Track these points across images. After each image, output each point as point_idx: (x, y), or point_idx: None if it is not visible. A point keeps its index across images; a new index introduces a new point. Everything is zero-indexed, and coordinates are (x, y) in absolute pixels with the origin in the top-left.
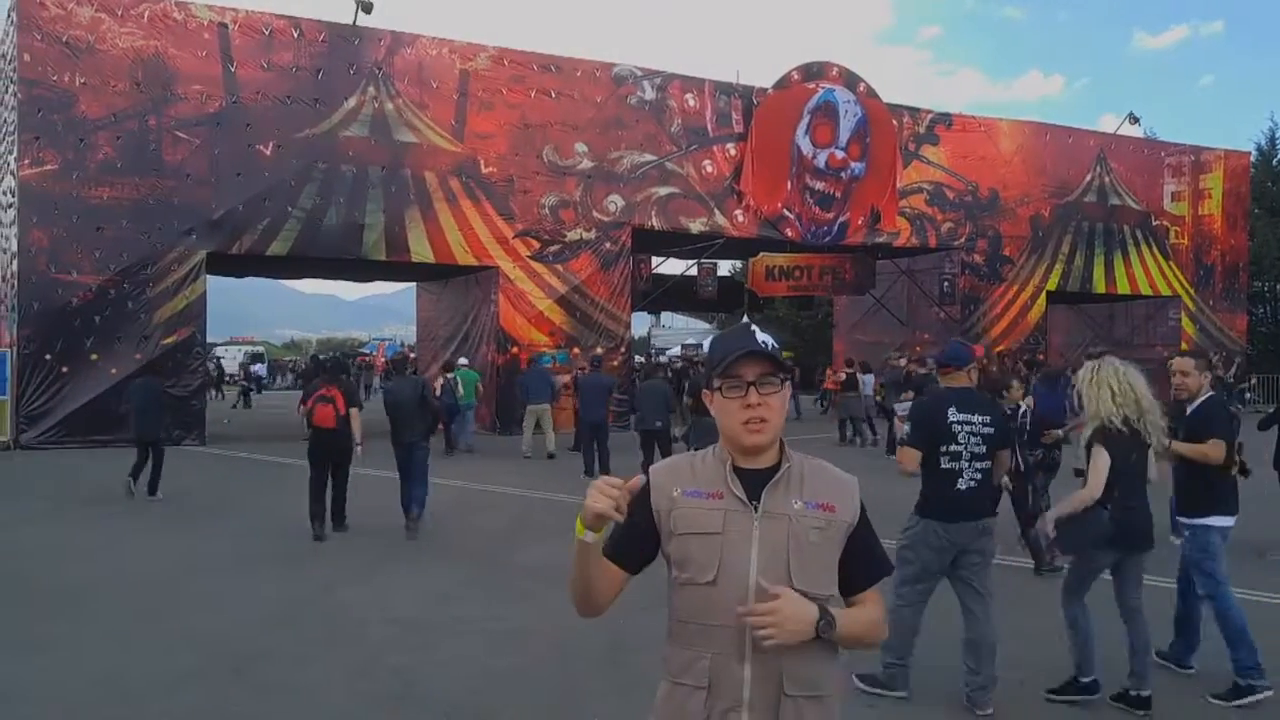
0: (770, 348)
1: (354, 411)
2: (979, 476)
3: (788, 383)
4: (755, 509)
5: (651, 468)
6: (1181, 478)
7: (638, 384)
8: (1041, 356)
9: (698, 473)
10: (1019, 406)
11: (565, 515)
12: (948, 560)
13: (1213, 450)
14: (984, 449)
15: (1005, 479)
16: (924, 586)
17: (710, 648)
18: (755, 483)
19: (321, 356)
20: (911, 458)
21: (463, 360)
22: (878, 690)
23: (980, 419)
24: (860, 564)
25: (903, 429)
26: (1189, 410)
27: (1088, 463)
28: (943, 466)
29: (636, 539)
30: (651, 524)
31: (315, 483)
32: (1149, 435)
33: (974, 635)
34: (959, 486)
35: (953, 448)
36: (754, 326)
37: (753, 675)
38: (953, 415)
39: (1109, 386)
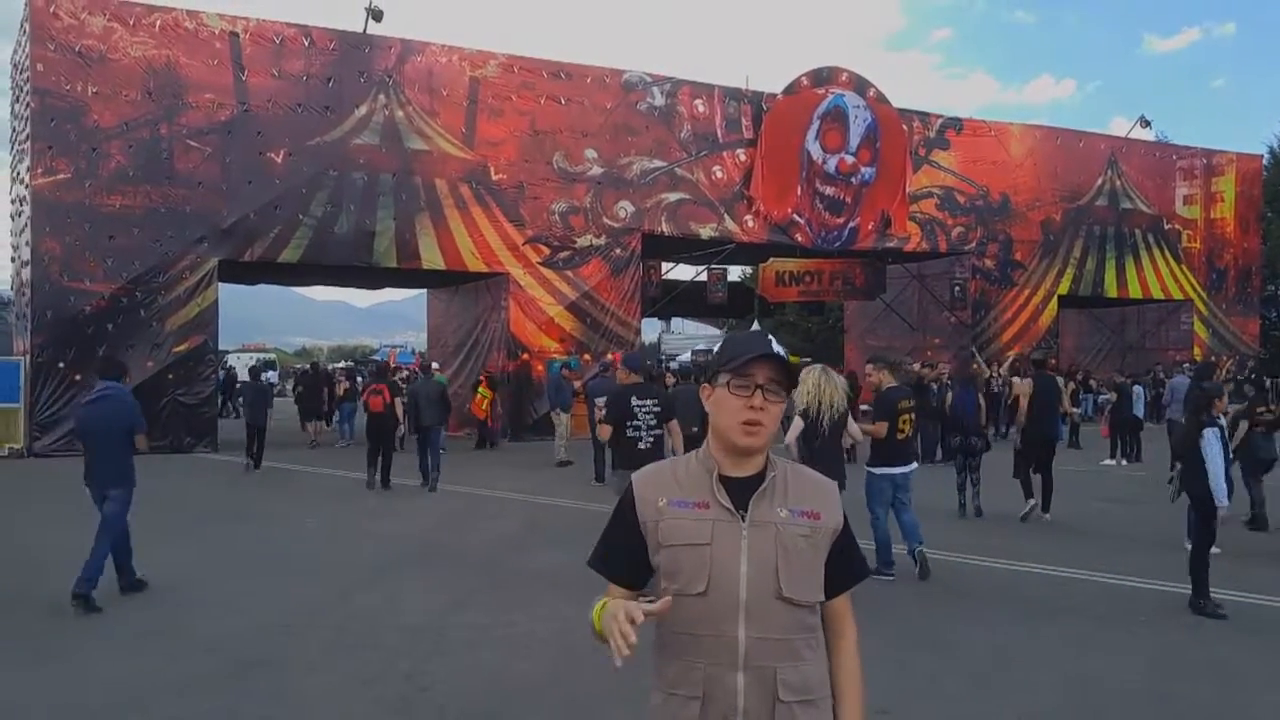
0: (785, 357)
1: (396, 400)
2: (652, 440)
3: (787, 397)
4: (743, 519)
5: (634, 476)
6: (871, 441)
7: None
8: (1053, 360)
9: (682, 481)
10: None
11: (574, 521)
12: None
13: (876, 428)
14: (655, 422)
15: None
16: None
17: (703, 657)
18: (741, 491)
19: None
20: (606, 430)
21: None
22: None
23: (650, 402)
24: (841, 568)
25: (600, 413)
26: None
27: None
28: (628, 435)
29: (629, 555)
30: (640, 537)
31: (370, 452)
32: (822, 418)
33: None
34: (639, 446)
35: (634, 423)
36: (770, 336)
37: (746, 683)
38: (634, 401)
39: (808, 383)
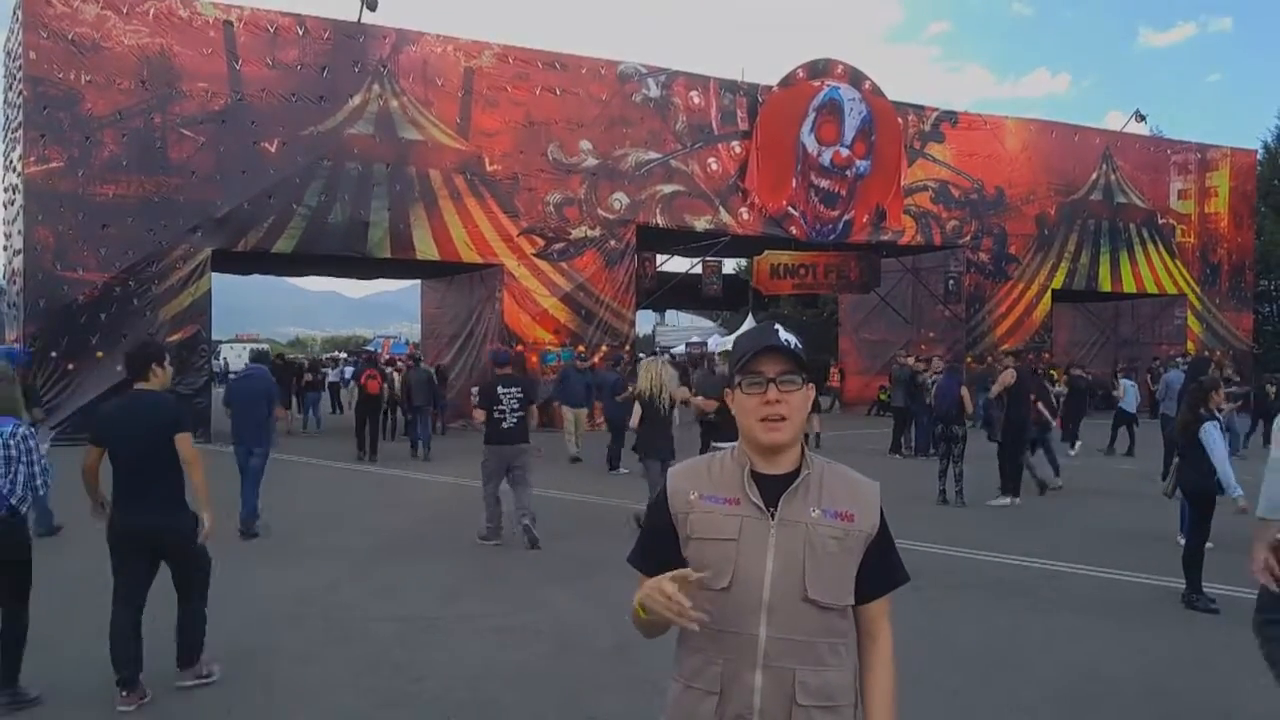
0: (792, 346)
1: (385, 385)
2: (515, 421)
3: (810, 384)
4: (772, 516)
5: (670, 470)
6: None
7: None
8: (1048, 355)
9: (715, 477)
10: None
11: (569, 512)
12: (504, 466)
13: (706, 404)
14: (518, 406)
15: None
16: (496, 478)
17: (722, 654)
18: (773, 489)
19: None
20: (480, 414)
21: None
22: (490, 541)
23: (515, 390)
24: (876, 572)
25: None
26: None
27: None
28: (494, 416)
29: (660, 545)
30: (671, 528)
31: (358, 426)
32: (660, 399)
33: (519, 503)
34: (504, 426)
35: (500, 407)
36: (778, 325)
37: (764, 683)
38: (500, 389)
39: (649, 373)
